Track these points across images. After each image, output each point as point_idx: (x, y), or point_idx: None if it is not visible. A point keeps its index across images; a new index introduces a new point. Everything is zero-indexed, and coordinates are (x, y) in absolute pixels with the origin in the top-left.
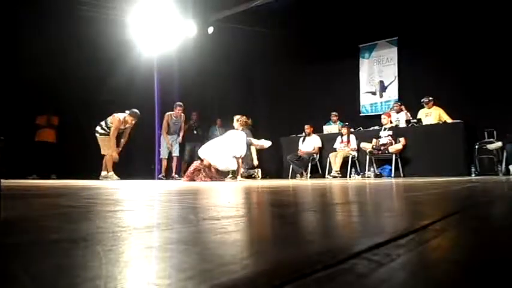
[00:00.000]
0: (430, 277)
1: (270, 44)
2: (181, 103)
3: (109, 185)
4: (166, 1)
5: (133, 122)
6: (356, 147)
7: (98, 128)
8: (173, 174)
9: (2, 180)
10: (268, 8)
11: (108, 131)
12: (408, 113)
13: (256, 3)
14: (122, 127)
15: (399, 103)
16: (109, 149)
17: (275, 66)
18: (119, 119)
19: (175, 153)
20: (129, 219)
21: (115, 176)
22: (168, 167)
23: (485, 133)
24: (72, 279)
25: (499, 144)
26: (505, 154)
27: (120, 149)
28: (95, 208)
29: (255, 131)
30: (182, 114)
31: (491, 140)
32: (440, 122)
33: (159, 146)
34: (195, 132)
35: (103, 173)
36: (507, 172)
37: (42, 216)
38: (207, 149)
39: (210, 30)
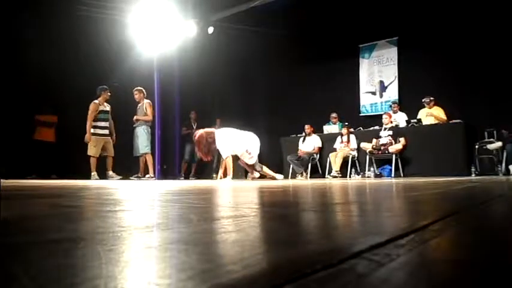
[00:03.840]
0: (430, 277)
1: (270, 44)
2: (138, 87)
3: (109, 185)
4: (166, 1)
5: (108, 94)
6: (356, 147)
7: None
8: (150, 174)
9: (1, 180)
10: (268, 8)
11: (98, 124)
12: (404, 114)
13: (256, 3)
14: (103, 108)
15: (396, 104)
16: (90, 150)
17: (275, 66)
18: (93, 102)
19: (146, 150)
20: (129, 219)
21: (96, 176)
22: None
23: (485, 133)
24: (72, 279)
25: (499, 144)
26: (505, 154)
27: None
28: (95, 208)
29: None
30: (145, 100)
31: (491, 140)
32: (441, 122)
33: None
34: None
35: (109, 173)
36: (507, 172)
37: (42, 216)
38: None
39: (210, 30)
